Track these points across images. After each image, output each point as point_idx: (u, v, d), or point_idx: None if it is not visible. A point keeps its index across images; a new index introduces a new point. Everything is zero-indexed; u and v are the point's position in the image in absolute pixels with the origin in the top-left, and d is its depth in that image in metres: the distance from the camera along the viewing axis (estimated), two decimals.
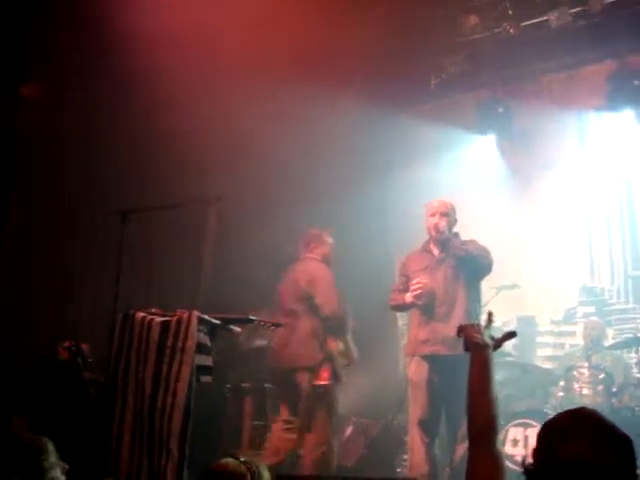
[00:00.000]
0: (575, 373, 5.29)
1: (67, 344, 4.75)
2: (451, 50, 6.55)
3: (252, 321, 4.00)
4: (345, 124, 6.40)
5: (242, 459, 2.45)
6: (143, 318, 3.70)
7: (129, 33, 5.20)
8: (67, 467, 2.61)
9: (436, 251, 4.77)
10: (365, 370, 5.60)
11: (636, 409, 5.12)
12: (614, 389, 5.21)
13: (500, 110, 6.65)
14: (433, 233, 4.73)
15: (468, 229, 4.94)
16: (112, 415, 3.61)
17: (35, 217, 5.96)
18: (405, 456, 5.26)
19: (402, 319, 6.65)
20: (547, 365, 6.34)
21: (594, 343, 5.86)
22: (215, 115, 5.89)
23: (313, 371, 4.87)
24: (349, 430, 6.00)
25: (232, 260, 6.33)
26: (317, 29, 5.45)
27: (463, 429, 3.45)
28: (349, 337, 5.06)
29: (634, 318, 6.36)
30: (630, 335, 5.93)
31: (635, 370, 5.53)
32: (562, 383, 5.34)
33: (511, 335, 2.25)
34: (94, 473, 3.43)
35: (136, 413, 3.57)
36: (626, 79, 6.01)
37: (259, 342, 5.74)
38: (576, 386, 5.24)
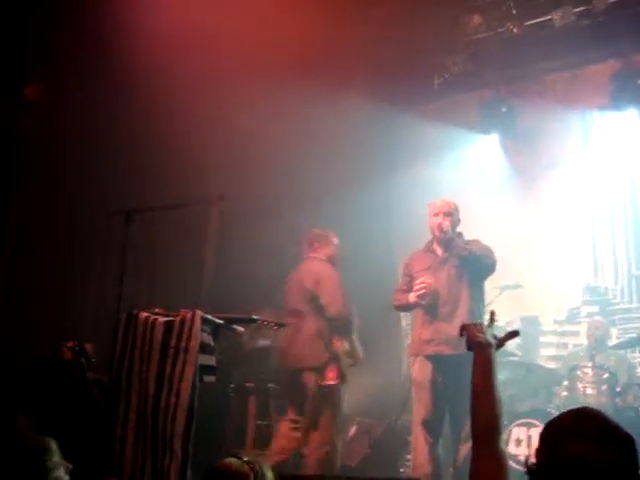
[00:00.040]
0: (579, 373, 5.28)
1: (71, 344, 4.75)
2: (454, 50, 6.54)
3: (255, 321, 4.01)
4: (347, 124, 6.40)
5: (245, 459, 2.46)
6: (147, 318, 3.71)
7: (129, 33, 5.21)
8: (71, 467, 2.61)
9: (439, 251, 4.76)
10: (369, 370, 5.60)
11: None
12: (618, 389, 5.19)
13: (503, 109, 6.63)
14: (436, 233, 4.73)
15: (471, 229, 4.93)
16: (116, 415, 3.62)
17: (35, 217, 5.95)
18: (409, 456, 5.25)
19: (406, 319, 6.64)
20: (551, 365, 6.31)
21: (598, 343, 5.83)
22: (216, 115, 5.89)
23: (319, 371, 4.86)
24: (353, 430, 5.99)
25: (234, 259, 6.32)
26: (318, 29, 5.44)
27: (467, 429, 3.46)
28: (355, 337, 5.06)
29: (638, 318, 6.33)
30: (634, 335, 5.90)
31: (639, 370, 5.51)
32: (566, 383, 5.33)
33: (514, 334, 2.26)
34: (98, 473, 3.43)
35: (140, 413, 3.57)
36: (630, 78, 6.00)
37: (262, 342, 5.73)
38: (580, 386, 5.22)
